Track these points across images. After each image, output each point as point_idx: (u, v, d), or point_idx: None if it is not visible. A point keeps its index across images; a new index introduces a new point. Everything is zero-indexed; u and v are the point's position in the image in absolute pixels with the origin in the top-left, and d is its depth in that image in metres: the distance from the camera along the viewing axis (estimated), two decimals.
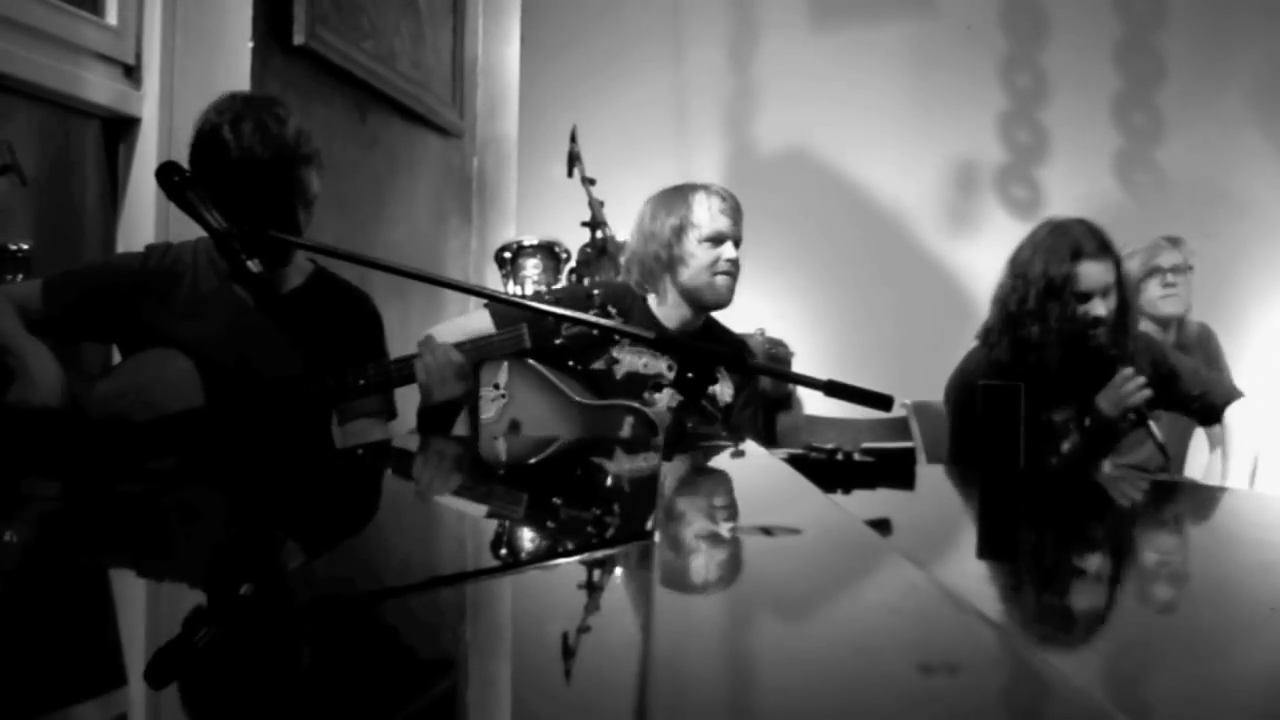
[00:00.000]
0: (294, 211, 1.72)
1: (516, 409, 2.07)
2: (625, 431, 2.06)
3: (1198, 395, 2.31)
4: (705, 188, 2.18)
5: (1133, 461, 2.57)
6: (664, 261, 2.15)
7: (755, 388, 2.30)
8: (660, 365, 2.15)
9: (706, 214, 2.14)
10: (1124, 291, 2.20)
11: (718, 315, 2.29)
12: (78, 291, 1.74)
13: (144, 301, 1.75)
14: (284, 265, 1.82)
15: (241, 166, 1.65)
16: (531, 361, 2.08)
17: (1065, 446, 2.19)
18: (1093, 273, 2.12)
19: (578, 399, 2.09)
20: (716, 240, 2.13)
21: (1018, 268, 2.20)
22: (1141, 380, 2.07)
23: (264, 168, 1.66)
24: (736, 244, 2.17)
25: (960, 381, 2.29)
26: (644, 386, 2.13)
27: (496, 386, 2.08)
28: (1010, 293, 2.20)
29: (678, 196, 2.18)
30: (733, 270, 2.15)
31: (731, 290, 2.16)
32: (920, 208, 3.65)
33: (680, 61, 3.81)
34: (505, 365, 2.08)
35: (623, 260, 2.32)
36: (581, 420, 2.07)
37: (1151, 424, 2.08)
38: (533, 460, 1.52)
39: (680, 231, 2.14)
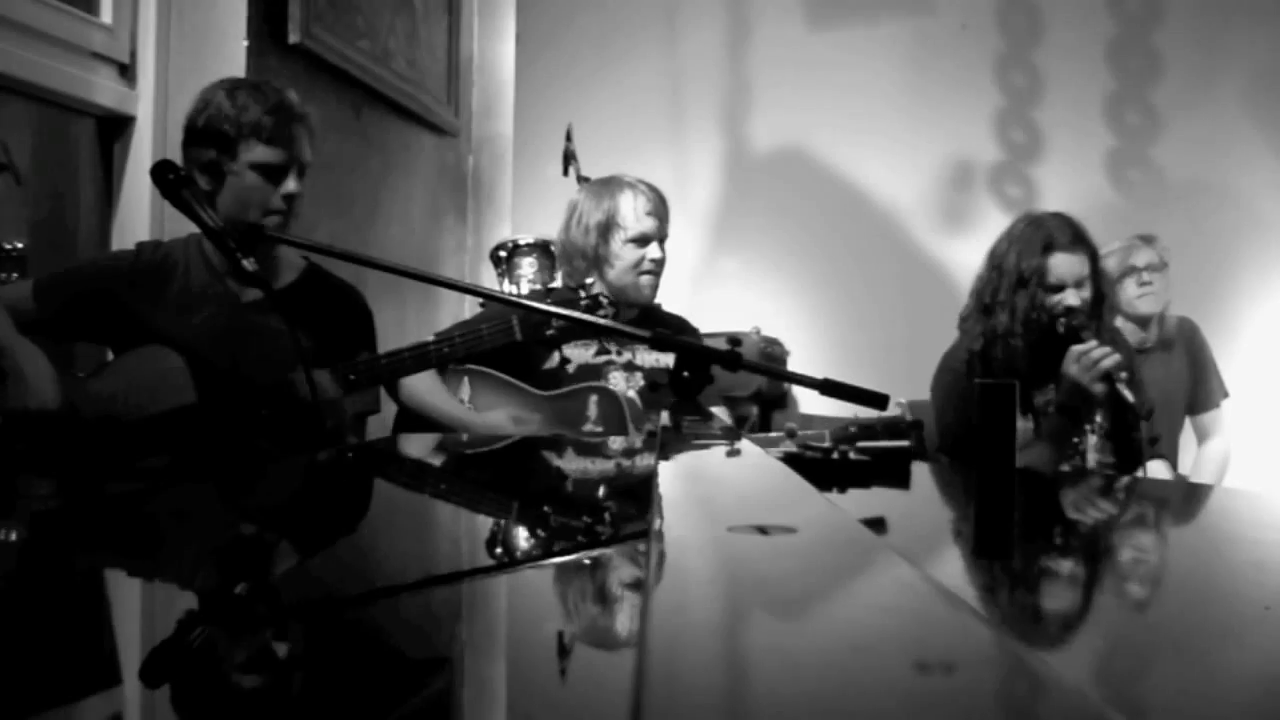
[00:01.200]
0: (287, 171, 1.72)
1: None
2: (592, 411, 2.09)
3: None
4: (632, 186, 2.21)
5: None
6: (590, 259, 2.20)
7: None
8: (610, 351, 2.18)
9: (632, 214, 2.18)
10: (1100, 283, 2.21)
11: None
12: (69, 292, 1.73)
13: (136, 299, 1.74)
14: (271, 250, 1.81)
15: (239, 126, 1.66)
16: (488, 370, 2.10)
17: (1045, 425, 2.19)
18: (1064, 264, 2.14)
19: (540, 393, 2.11)
20: (641, 241, 2.18)
21: (994, 260, 2.24)
22: (1108, 349, 2.06)
23: (261, 121, 1.67)
24: (662, 242, 2.22)
25: (943, 367, 2.31)
26: (598, 375, 2.16)
27: (463, 402, 2.10)
28: (985, 284, 2.24)
29: (605, 193, 2.22)
30: (656, 270, 2.21)
31: (655, 289, 2.23)
32: (915, 205, 3.65)
33: (676, 59, 3.80)
34: (466, 380, 2.11)
35: (556, 254, 2.38)
36: (548, 412, 2.10)
37: (1121, 386, 2.05)
38: (530, 458, 1.52)
39: (606, 231, 2.18)
